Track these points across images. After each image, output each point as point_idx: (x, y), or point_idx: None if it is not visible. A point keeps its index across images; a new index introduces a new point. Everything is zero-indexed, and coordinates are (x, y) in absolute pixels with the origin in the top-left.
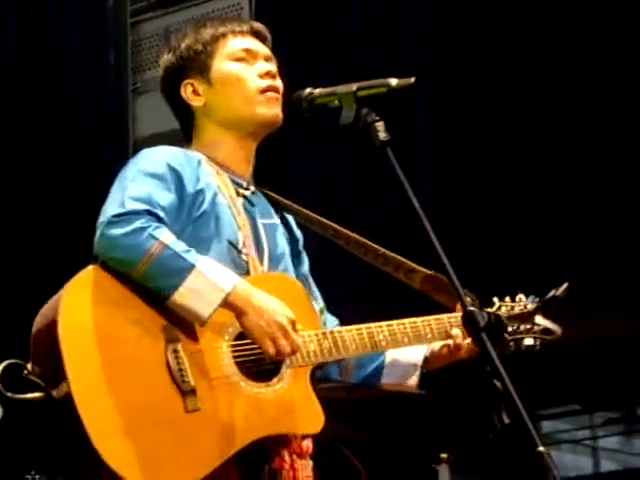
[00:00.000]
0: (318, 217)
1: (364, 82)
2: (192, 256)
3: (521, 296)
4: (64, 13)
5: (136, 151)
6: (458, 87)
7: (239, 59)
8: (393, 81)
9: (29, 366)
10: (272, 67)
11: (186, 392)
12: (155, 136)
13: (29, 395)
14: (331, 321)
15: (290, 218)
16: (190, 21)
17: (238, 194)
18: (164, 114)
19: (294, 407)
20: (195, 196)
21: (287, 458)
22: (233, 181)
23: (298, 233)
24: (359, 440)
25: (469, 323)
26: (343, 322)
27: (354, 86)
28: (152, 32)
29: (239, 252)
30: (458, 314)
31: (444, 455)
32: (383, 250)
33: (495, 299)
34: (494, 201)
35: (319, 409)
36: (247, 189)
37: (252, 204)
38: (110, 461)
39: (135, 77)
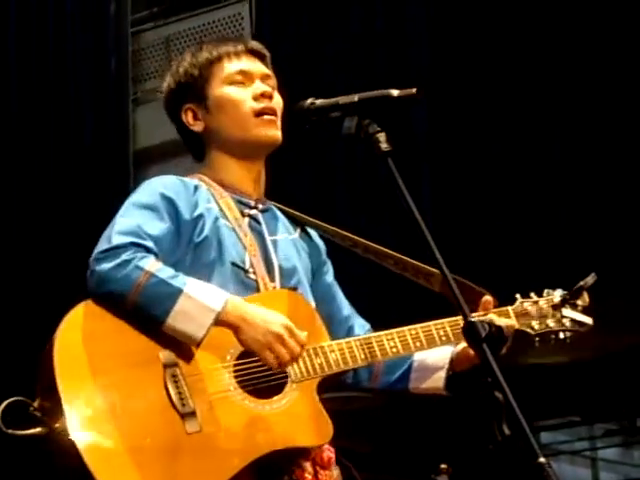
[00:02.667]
0: (335, 228)
1: (366, 93)
2: (179, 281)
3: (548, 290)
4: (65, 22)
5: (136, 161)
6: (459, 97)
7: (234, 82)
8: (395, 92)
9: (36, 403)
10: (267, 87)
11: (185, 415)
12: (155, 146)
13: (30, 430)
14: (361, 325)
15: (311, 230)
16: (190, 31)
17: (243, 214)
18: (164, 124)
19: (300, 421)
20: (194, 222)
21: (310, 469)
22: (240, 202)
23: (320, 243)
24: (359, 451)
25: (470, 334)
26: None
27: (356, 97)
28: (153, 42)
29: (246, 272)
30: (475, 314)
31: (444, 466)
32: (400, 256)
33: (518, 295)
34: (494, 211)
35: (327, 420)
36: (255, 207)
37: (258, 222)
38: None
39: (135, 87)
